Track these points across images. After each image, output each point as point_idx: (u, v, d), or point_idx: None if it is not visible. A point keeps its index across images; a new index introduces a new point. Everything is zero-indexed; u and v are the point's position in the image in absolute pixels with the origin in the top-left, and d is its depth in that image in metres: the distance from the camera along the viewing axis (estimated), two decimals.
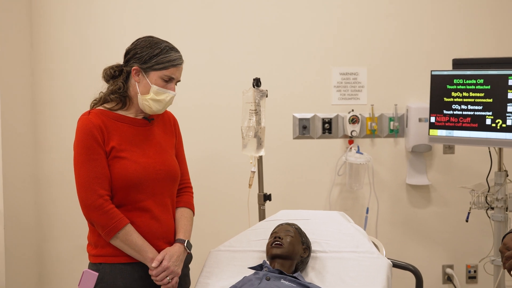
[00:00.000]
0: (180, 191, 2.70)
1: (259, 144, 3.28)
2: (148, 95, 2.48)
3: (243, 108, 3.30)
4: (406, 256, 3.96)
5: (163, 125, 2.66)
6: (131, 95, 2.53)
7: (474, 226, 4.07)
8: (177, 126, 2.76)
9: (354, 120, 4.04)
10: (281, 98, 4.02)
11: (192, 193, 2.78)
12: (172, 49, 2.52)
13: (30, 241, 3.89)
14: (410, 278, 2.85)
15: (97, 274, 2.44)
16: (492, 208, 3.64)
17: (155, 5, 3.97)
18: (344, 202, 4.15)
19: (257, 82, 3.28)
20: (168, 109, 2.76)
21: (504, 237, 2.12)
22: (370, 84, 4.12)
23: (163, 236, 2.54)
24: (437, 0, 4.11)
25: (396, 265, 2.80)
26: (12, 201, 3.54)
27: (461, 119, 3.54)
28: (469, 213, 3.75)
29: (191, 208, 2.72)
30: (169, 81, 2.51)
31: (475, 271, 4.22)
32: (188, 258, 2.66)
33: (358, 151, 4.05)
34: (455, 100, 3.56)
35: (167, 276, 2.46)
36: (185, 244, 2.57)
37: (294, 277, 2.49)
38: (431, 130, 3.66)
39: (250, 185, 3.31)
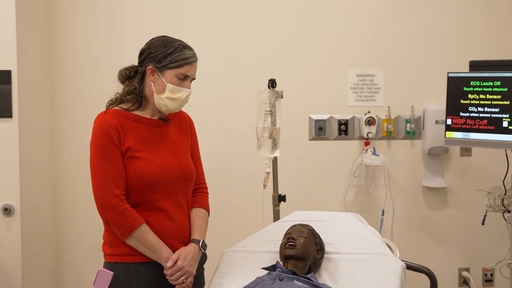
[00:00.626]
0: (195, 191, 2.71)
1: (274, 145, 3.29)
2: (164, 94, 2.49)
3: (258, 109, 3.30)
4: (422, 259, 3.94)
5: (179, 126, 2.67)
6: (147, 95, 2.55)
7: (490, 229, 4.05)
8: (193, 127, 2.77)
9: (370, 121, 4.03)
10: (297, 100, 4.03)
11: (207, 193, 2.79)
12: (186, 47, 2.53)
13: (46, 240, 3.92)
14: (425, 280, 2.84)
15: (112, 273, 2.46)
16: (509, 211, 3.63)
17: (171, 6, 3.99)
18: (359, 204, 4.15)
19: (272, 83, 3.28)
20: (184, 109, 2.78)
21: None
22: (386, 86, 4.11)
23: (178, 236, 2.55)
24: (454, 2, 4.09)
25: (410, 267, 2.79)
26: (29, 200, 3.57)
27: (477, 122, 3.53)
28: (485, 216, 3.73)
29: (206, 208, 2.73)
30: (184, 79, 2.52)
31: (491, 274, 4.19)
32: (203, 258, 2.67)
33: (374, 153, 4.04)
34: (472, 102, 3.54)
35: (181, 276, 2.47)
36: (200, 244, 2.57)
37: (307, 278, 2.49)
38: (447, 132, 3.64)
39: (264, 186, 3.31)
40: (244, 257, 2.81)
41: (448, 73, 3.66)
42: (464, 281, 4.18)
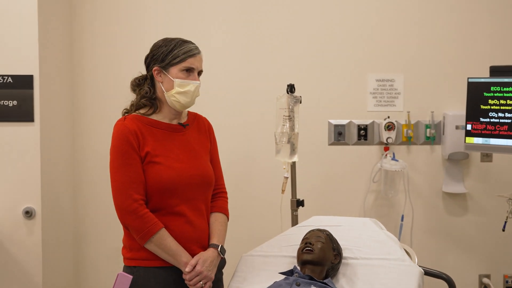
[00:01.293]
0: (214, 196, 2.73)
1: (293, 150, 3.29)
2: (173, 90, 2.52)
3: (277, 114, 3.31)
4: (442, 265, 3.92)
5: (198, 130, 2.69)
6: (160, 96, 2.58)
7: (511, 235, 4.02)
8: (212, 132, 2.78)
9: (390, 127, 4.02)
10: (316, 105, 4.03)
11: (227, 198, 2.80)
12: (186, 41, 2.57)
13: (67, 243, 3.96)
14: (444, 287, 2.82)
15: (131, 277, 2.46)
16: None
17: (191, 12, 4.02)
18: (378, 209, 4.13)
19: (291, 88, 3.29)
20: (203, 114, 2.80)
21: None
22: (406, 91, 4.10)
23: (197, 240, 2.57)
24: (474, 7, 4.07)
25: (428, 273, 2.78)
26: (50, 204, 3.61)
27: (498, 127, 3.50)
28: (505, 222, 3.70)
29: (226, 213, 2.74)
30: (190, 72, 2.54)
31: None
32: (222, 262, 2.68)
33: (393, 158, 4.03)
34: (492, 107, 3.52)
35: (200, 281, 2.48)
36: (219, 249, 2.58)
37: (325, 283, 2.49)
38: (467, 138, 3.62)
39: (283, 191, 3.32)
40: (262, 261, 2.82)
41: (468, 78, 3.64)
42: None
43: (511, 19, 4.07)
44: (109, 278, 2.53)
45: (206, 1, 4.03)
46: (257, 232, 3.97)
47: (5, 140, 3.44)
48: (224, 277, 2.78)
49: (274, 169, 3.79)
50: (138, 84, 2.61)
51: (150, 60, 2.58)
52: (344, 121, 4.11)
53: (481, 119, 3.56)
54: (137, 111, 2.59)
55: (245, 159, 4.06)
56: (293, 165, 3.40)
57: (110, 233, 3.91)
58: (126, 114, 2.60)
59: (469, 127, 3.61)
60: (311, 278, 2.50)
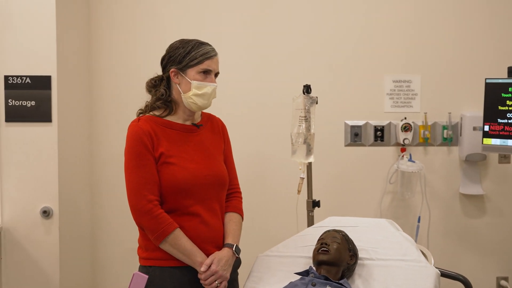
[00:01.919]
0: (229, 196, 2.73)
1: (309, 151, 3.29)
2: (190, 91, 2.53)
3: (293, 114, 3.31)
4: (459, 267, 3.89)
5: (212, 131, 2.70)
6: (175, 98, 2.58)
7: None
8: (226, 132, 2.79)
9: (406, 128, 4.01)
10: (333, 105, 4.02)
11: (241, 198, 2.80)
12: (203, 43, 2.57)
13: (83, 243, 3.99)
14: None
15: (147, 276, 2.46)
16: None
17: (207, 13, 4.03)
18: (395, 211, 4.12)
19: (307, 89, 3.28)
20: (219, 114, 2.81)
21: None
22: (423, 92, 4.08)
23: (212, 240, 2.57)
24: (492, 7, 4.04)
25: (445, 274, 2.76)
26: (67, 203, 3.63)
27: None
28: None
29: (240, 213, 2.75)
30: (208, 74, 2.55)
31: None
32: (237, 262, 2.68)
33: (410, 159, 4.01)
34: (510, 108, 3.50)
35: (215, 280, 2.49)
36: (234, 249, 2.59)
37: (340, 284, 2.48)
38: (484, 139, 3.60)
39: (299, 191, 3.32)
40: (278, 261, 2.82)
41: (486, 79, 3.62)
42: None
43: None
44: (126, 277, 2.54)
45: (223, 2, 4.04)
46: (273, 232, 3.97)
47: (23, 140, 3.47)
48: (240, 277, 2.78)
49: (290, 169, 3.79)
50: (154, 85, 2.62)
51: (167, 62, 2.59)
52: (360, 122, 4.10)
53: (499, 120, 3.54)
54: (151, 112, 2.60)
55: (261, 160, 4.07)
56: (309, 166, 3.39)
57: (127, 233, 3.91)
58: (140, 115, 2.61)
59: (486, 128, 3.58)
60: (326, 279, 2.49)
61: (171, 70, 2.55)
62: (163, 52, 2.65)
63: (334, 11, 4.06)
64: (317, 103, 3.31)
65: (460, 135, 4.04)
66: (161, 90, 2.57)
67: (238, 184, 2.81)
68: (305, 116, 3.27)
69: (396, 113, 4.09)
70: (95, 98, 4.05)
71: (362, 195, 4.11)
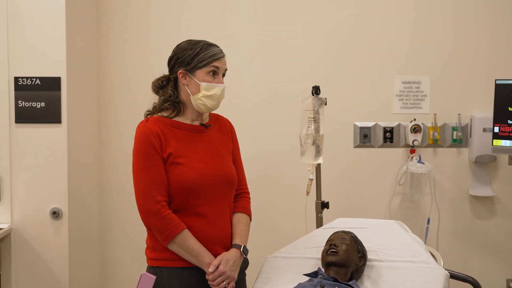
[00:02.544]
0: (237, 196, 2.73)
1: (317, 152, 3.28)
2: (200, 93, 2.52)
3: (302, 115, 3.30)
4: (469, 269, 3.89)
5: (220, 131, 2.70)
6: (183, 99, 2.58)
7: None
8: (234, 132, 2.79)
9: (416, 129, 4.00)
10: (342, 107, 4.02)
11: (249, 198, 2.80)
12: (211, 45, 2.57)
13: (93, 244, 4.01)
14: None
15: (154, 277, 2.47)
16: None
17: (217, 13, 4.04)
18: (404, 212, 4.11)
19: (316, 90, 3.28)
20: (228, 115, 2.81)
21: None
22: (433, 93, 4.07)
23: (220, 241, 2.57)
24: (501, 9, 4.03)
25: (454, 276, 2.75)
26: (77, 204, 3.65)
27: None
28: None
29: (248, 213, 2.74)
30: (216, 75, 2.55)
31: None
32: (245, 263, 2.68)
33: (419, 161, 4.00)
34: None
35: (223, 281, 2.49)
36: (242, 249, 2.59)
37: (349, 285, 2.47)
38: (494, 140, 3.59)
39: (307, 193, 3.31)
40: (286, 263, 2.81)
41: (495, 80, 3.61)
42: None
43: None
44: (134, 278, 2.55)
45: (232, 3, 4.05)
46: (281, 233, 3.97)
47: (33, 142, 3.49)
48: (248, 278, 2.78)
49: (299, 171, 3.78)
50: (161, 86, 2.61)
51: (175, 63, 2.58)
52: (370, 124, 4.09)
53: (509, 122, 3.53)
54: (159, 113, 2.60)
55: (270, 161, 4.07)
56: (318, 167, 3.39)
57: (136, 233, 3.93)
58: (148, 116, 2.61)
59: (496, 129, 3.57)
60: (335, 280, 2.48)
61: (179, 71, 2.55)
62: (170, 55, 2.65)
63: (343, 12, 4.05)
64: (326, 104, 3.30)
65: (470, 137, 4.02)
66: (169, 92, 2.57)
67: (246, 185, 2.81)
68: (314, 117, 3.26)
69: (405, 115, 4.08)
70: (105, 99, 4.06)
71: (371, 196, 4.10)
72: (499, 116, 3.56)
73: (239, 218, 2.68)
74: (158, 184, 2.46)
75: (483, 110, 4.00)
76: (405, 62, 4.08)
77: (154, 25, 4.05)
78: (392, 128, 4.08)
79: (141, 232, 2.64)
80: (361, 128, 4.09)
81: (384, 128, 4.08)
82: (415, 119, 4.03)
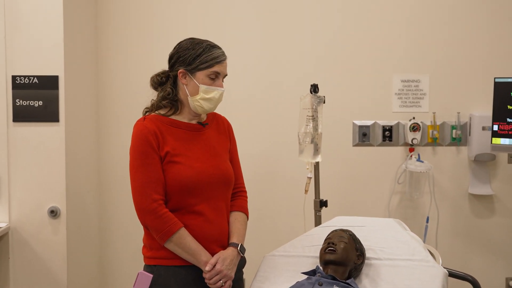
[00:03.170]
0: (234, 195, 2.72)
1: (316, 150, 3.28)
2: (198, 95, 2.52)
3: (300, 114, 3.30)
4: (468, 267, 3.88)
5: (217, 130, 2.69)
6: (182, 98, 2.57)
7: None
8: (231, 131, 2.78)
9: (415, 128, 3.99)
10: (341, 105, 4.02)
11: (246, 197, 2.79)
12: (214, 46, 2.55)
13: (91, 243, 4.00)
14: None
15: (151, 276, 2.48)
16: None
17: (216, 11, 4.03)
18: (403, 211, 4.10)
19: (314, 88, 3.27)
20: (226, 113, 2.80)
21: None
22: (432, 92, 4.07)
23: (217, 239, 2.56)
24: (500, 7, 4.02)
25: (453, 274, 2.74)
26: (75, 203, 3.64)
27: None
28: None
29: (245, 212, 2.74)
30: (216, 78, 2.54)
31: None
32: (242, 262, 2.67)
33: (418, 159, 3.99)
34: None
35: (220, 280, 2.48)
36: (239, 248, 2.58)
37: (347, 283, 2.47)
38: (494, 139, 3.58)
39: (306, 191, 3.31)
40: (285, 261, 2.81)
41: (495, 78, 3.61)
42: None
43: None
44: (133, 277, 2.54)
45: (231, 2, 4.04)
46: (280, 232, 3.97)
47: (30, 140, 3.48)
48: (247, 277, 2.77)
49: (298, 169, 3.78)
50: (160, 83, 2.60)
51: (176, 61, 2.57)
52: (368, 122, 4.08)
53: (508, 120, 3.52)
54: (157, 111, 2.59)
55: (268, 159, 4.06)
56: (316, 166, 3.38)
57: (134, 232, 3.91)
58: (146, 114, 2.60)
59: (495, 127, 3.57)
60: (333, 278, 2.48)
61: (180, 70, 2.54)
62: (171, 50, 2.63)
63: (342, 10, 4.05)
64: (324, 103, 3.30)
65: (469, 135, 4.02)
66: (168, 89, 2.56)
67: (243, 183, 2.80)
68: (313, 116, 3.26)
69: (404, 113, 4.07)
70: (103, 97, 4.06)
71: (370, 195, 4.10)
72: (498, 114, 3.56)
73: (236, 217, 2.67)
74: (155, 183, 2.45)
75: (482, 109, 3.99)
76: (404, 60, 4.07)
77: (152, 23, 4.04)
78: (391, 126, 4.07)
79: (139, 231, 2.63)
80: (360, 126, 4.08)
81: (383, 126, 4.07)
82: (414, 118, 4.03)
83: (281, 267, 2.78)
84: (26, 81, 3.46)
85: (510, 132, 3.51)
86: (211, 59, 2.51)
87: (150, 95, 2.66)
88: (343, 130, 4.08)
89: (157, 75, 2.62)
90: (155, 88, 2.62)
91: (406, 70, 4.08)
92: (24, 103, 3.47)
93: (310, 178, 3.33)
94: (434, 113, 4.05)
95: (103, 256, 4.12)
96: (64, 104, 3.48)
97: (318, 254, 2.67)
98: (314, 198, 3.41)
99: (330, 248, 2.56)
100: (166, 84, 2.58)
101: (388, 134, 4.07)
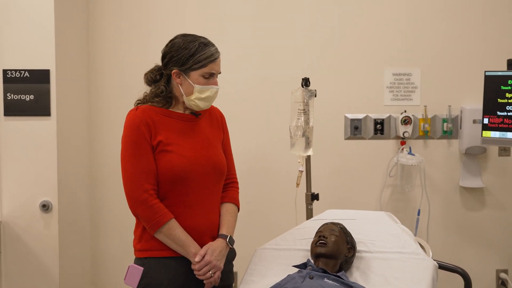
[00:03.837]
0: (226, 186, 2.72)
1: (307, 144, 3.29)
2: (193, 95, 2.51)
3: (291, 107, 3.31)
4: (459, 260, 3.90)
5: (210, 121, 2.69)
6: (176, 94, 2.56)
7: None
8: (224, 122, 2.78)
9: (406, 121, 4.00)
10: (333, 99, 4.02)
11: (238, 188, 2.79)
12: (207, 44, 2.52)
13: (83, 236, 4.00)
14: (461, 281, 2.79)
15: (142, 268, 2.48)
16: None
17: (208, 7, 4.03)
18: (395, 204, 4.12)
19: (306, 82, 3.28)
20: (219, 107, 2.80)
21: None
22: (423, 85, 4.08)
23: (208, 231, 2.57)
24: (490, 1, 4.03)
25: (443, 267, 2.76)
26: (67, 197, 3.64)
27: None
28: None
29: (237, 203, 2.74)
30: (210, 77, 2.53)
31: None
32: (232, 254, 2.68)
33: (410, 152, 4.01)
34: (509, 101, 3.49)
35: (209, 271, 2.49)
36: (227, 240, 2.58)
37: (338, 276, 2.48)
38: (484, 132, 3.59)
39: (297, 184, 3.31)
40: (276, 255, 2.82)
41: (485, 71, 3.61)
42: (502, 283, 4.12)
43: None
44: (125, 270, 2.55)
45: None
46: (271, 225, 3.98)
47: (22, 134, 3.48)
48: (238, 270, 2.78)
49: (289, 163, 3.79)
50: (154, 81, 2.59)
51: (169, 60, 2.54)
52: (360, 115, 4.09)
53: (498, 113, 3.53)
54: (150, 103, 2.58)
55: (260, 153, 4.07)
56: (308, 159, 3.39)
57: (126, 226, 3.88)
58: (138, 105, 2.60)
59: (486, 121, 3.58)
60: (324, 271, 2.49)
61: (174, 71, 2.52)
62: (163, 45, 2.61)
63: (334, 5, 4.05)
64: (315, 96, 3.30)
65: (460, 128, 4.03)
66: (161, 87, 2.55)
67: (235, 175, 2.81)
68: (304, 109, 3.27)
69: (396, 106, 4.09)
70: (94, 91, 4.05)
71: (362, 188, 4.11)
72: (489, 108, 3.57)
73: (227, 208, 2.68)
74: (146, 173, 2.45)
75: (473, 102, 4.00)
76: (395, 54, 4.08)
77: (145, 16, 4.03)
78: (383, 120, 4.08)
79: (132, 225, 2.64)
80: (352, 120, 4.09)
81: (375, 120, 4.08)
82: (405, 111, 4.04)
83: (272, 260, 2.79)
84: (18, 75, 3.45)
85: (500, 125, 3.52)
86: (204, 58, 2.49)
87: (142, 89, 2.64)
88: (335, 123, 4.09)
89: (151, 72, 2.60)
90: (149, 85, 2.61)
91: (398, 63, 4.09)
92: (16, 97, 3.47)
93: (302, 171, 3.34)
94: (425, 106, 4.06)
95: (95, 250, 4.12)
96: (55, 98, 3.48)
97: (309, 247, 2.68)
98: (305, 191, 3.42)
99: (321, 241, 2.57)
100: (159, 81, 2.57)
101: (380, 127, 4.09)
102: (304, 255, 2.75)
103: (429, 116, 4.06)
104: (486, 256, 4.13)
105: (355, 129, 4.09)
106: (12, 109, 3.47)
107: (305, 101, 3.27)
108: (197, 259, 2.47)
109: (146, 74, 2.62)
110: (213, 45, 2.54)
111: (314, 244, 2.59)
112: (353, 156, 4.11)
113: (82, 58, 3.97)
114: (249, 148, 4.03)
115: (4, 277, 3.52)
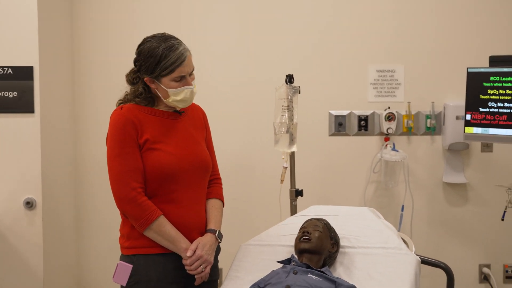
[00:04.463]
0: (210, 182, 2.75)
1: (291, 140, 3.30)
2: (169, 98, 2.52)
3: (275, 104, 3.32)
4: (442, 255, 3.93)
5: (193, 118, 2.71)
6: (155, 93, 2.57)
7: (511, 225, 4.02)
8: (206, 119, 2.80)
9: (390, 117, 4.02)
10: (317, 95, 4.04)
11: (221, 184, 2.82)
12: (171, 48, 2.49)
13: (67, 234, 3.99)
14: (444, 276, 2.82)
15: (131, 266, 2.49)
16: None
17: (192, 4, 4.01)
18: (379, 200, 4.14)
19: (290, 79, 3.29)
20: (203, 105, 2.81)
21: None
22: (407, 82, 4.10)
23: (196, 226, 2.59)
24: None
25: (425, 262, 2.78)
26: (51, 194, 3.63)
27: (497, 117, 3.50)
28: (504, 211, 3.71)
29: (221, 199, 2.77)
30: (182, 79, 2.52)
31: None
32: (217, 250, 2.69)
33: (393, 149, 4.03)
34: (492, 97, 3.52)
35: (201, 265, 2.51)
36: (217, 234, 2.61)
37: (322, 272, 2.50)
38: (466, 128, 3.62)
39: (282, 181, 3.33)
40: (260, 250, 2.83)
41: (467, 68, 3.64)
42: (485, 278, 4.15)
43: (510, 9, 4.05)
44: (111, 268, 2.55)
45: None
46: (256, 221, 3.99)
47: (5, 132, 3.46)
48: (223, 266, 2.79)
49: (274, 159, 3.80)
50: (133, 83, 2.60)
51: (139, 68, 2.55)
52: (344, 112, 4.11)
53: (481, 109, 3.56)
54: (134, 100, 2.59)
55: (244, 149, 4.07)
56: (292, 155, 3.41)
57: (112, 223, 3.86)
58: (121, 104, 2.60)
59: (468, 117, 3.60)
60: (308, 267, 2.50)
61: (145, 78, 2.53)
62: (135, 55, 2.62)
63: (317, 2, 4.06)
64: (299, 93, 3.32)
65: (443, 124, 4.06)
66: (140, 89, 2.56)
67: (218, 171, 2.83)
68: (288, 106, 3.28)
69: (379, 103, 4.11)
70: (78, 88, 4.04)
71: (346, 184, 4.13)
72: (471, 104, 3.59)
73: (213, 204, 2.70)
74: (133, 171, 2.46)
75: (456, 98, 4.03)
76: (379, 50, 4.10)
77: (129, 14, 4.02)
78: (367, 116, 4.10)
79: (117, 222, 2.64)
80: (336, 116, 4.11)
81: (359, 116, 4.10)
82: (389, 107, 4.06)
83: (256, 256, 2.80)
84: (0, 71, 3.44)
85: (482, 122, 3.54)
86: (170, 64, 2.47)
87: (125, 86, 2.65)
88: (319, 120, 4.10)
89: (129, 74, 2.61)
90: (131, 85, 2.61)
91: (381, 60, 4.10)
92: None
93: (286, 167, 3.35)
94: (409, 102, 4.08)
95: (79, 247, 4.11)
96: (39, 95, 3.47)
97: (293, 243, 2.69)
98: (290, 187, 3.44)
99: (304, 237, 2.58)
100: (138, 84, 2.58)
101: (364, 124, 4.11)
102: (288, 251, 2.76)
103: (413, 112, 4.08)
104: (469, 251, 4.16)
105: (339, 125, 4.11)
106: None
107: (289, 97, 3.28)
108: (188, 253, 2.48)
109: (126, 75, 2.63)
110: (178, 47, 2.50)
111: (298, 240, 2.61)
112: (337, 152, 4.12)
113: (66, 55, 3.95)
114: (234, 145, 4.03)
115: None
